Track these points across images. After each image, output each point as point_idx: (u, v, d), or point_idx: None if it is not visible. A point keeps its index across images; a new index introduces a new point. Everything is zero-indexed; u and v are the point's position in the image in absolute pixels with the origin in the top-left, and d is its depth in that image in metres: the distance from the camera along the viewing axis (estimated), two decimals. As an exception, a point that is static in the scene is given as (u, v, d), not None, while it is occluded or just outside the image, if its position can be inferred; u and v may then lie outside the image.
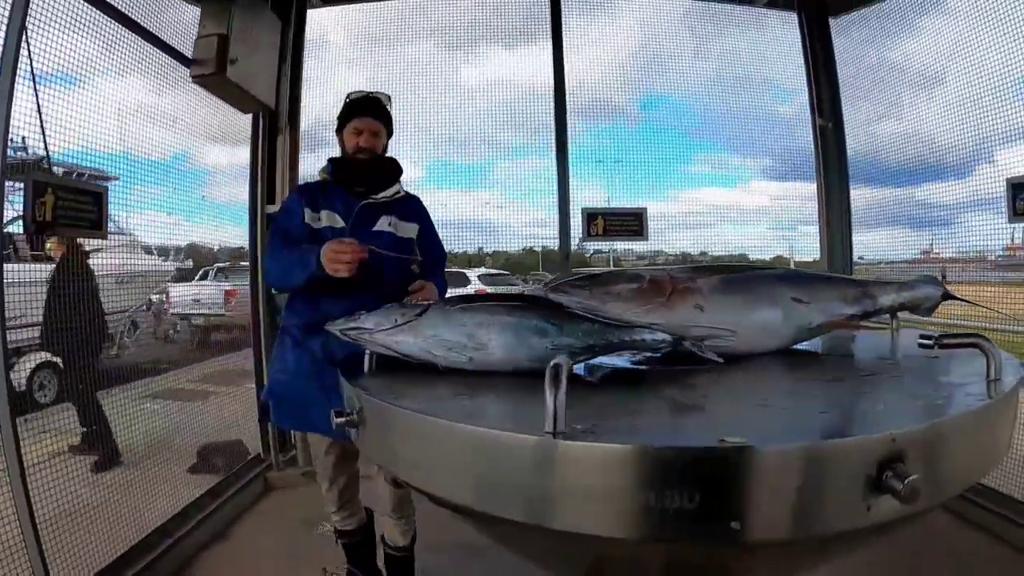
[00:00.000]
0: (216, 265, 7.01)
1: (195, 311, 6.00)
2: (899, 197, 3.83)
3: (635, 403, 1.16)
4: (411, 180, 3.64)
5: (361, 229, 2.01)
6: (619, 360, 1.46)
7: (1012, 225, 2.99)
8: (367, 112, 2.11)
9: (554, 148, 3.84)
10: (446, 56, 3.99)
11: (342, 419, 1.23)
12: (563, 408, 0.86)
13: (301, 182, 3.30)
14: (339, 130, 2.14)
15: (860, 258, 4.16)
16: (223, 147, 3.42)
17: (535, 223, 4.36)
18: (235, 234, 3.85)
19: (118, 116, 2.74)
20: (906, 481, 0.79)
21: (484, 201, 4.25)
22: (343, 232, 1.98)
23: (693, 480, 0.80)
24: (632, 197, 4.20)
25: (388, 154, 2.16)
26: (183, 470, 3.18)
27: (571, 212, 3.90)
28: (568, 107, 3.92)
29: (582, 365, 1.36)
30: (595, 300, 1.39)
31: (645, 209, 3.99)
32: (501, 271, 8.18)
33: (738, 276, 1.52)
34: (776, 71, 4.26)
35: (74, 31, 2.36)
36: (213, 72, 2.80)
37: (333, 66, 3.89)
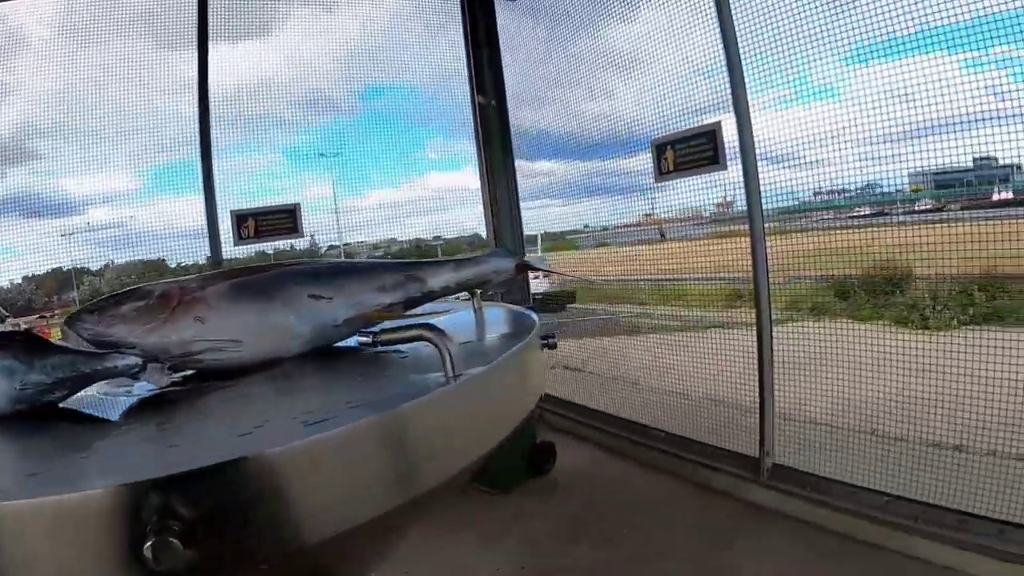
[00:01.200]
0: None
1: None
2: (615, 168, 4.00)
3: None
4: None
5: None
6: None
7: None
8: None
9: (199, 149, 3.66)
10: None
11: None
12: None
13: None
14: None
15: (585, 226, 4.56)
16: None
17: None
18: None
19: None
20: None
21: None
22: None
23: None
24: (359, 188, 4.41)
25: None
26: None
27: (219, 216, 3.77)
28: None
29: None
30: (102, 325, 1.27)
31: (298, 205, 3.95)
32: None
33: (249, 279, 1.42)
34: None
35: None
36: None
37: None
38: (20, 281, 5.48)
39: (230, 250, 3.87)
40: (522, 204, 4.43)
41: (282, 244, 4.30)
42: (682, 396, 3.44)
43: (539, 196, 4.53)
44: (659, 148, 3.25)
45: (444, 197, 4.98)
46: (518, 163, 4.41)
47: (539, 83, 4.17)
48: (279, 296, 1.41)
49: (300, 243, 5.88)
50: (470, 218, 4.89)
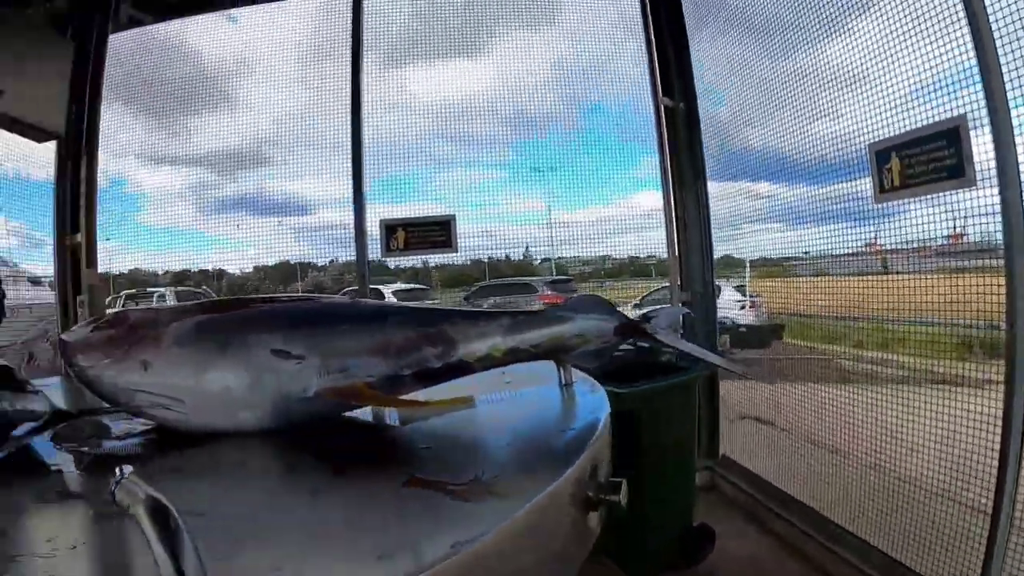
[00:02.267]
0: (124, 293, 6.99)
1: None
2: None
3: None
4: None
5: None
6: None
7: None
8: None
9: (350, 159, 3.65)
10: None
11: None
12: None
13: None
14: None
15: (806, 252, 3.88)
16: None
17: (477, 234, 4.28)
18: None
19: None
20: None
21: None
22: None
23: None
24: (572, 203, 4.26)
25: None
26: None
27: (367, 224, 3.72)
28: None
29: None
30: (70, 352, 1.11)
31: (453, 217, 3.74)
32: (418, 286, 7.98)
33: (215, 318, 1.11)
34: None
35: None
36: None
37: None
38: (250, 270, 6.41)
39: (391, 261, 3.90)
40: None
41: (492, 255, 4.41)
42: (891, 476, 2.51)
43: (746, 218, 3.79)
44: (880, 155, 2.40)
45: (653, 215, 4.58)
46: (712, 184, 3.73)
47: (741, 91, 3.47)
48: (234, 346, 1.07)
49: (514, 254, 5.96)
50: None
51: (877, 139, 2.41)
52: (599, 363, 1.27)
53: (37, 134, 3.13)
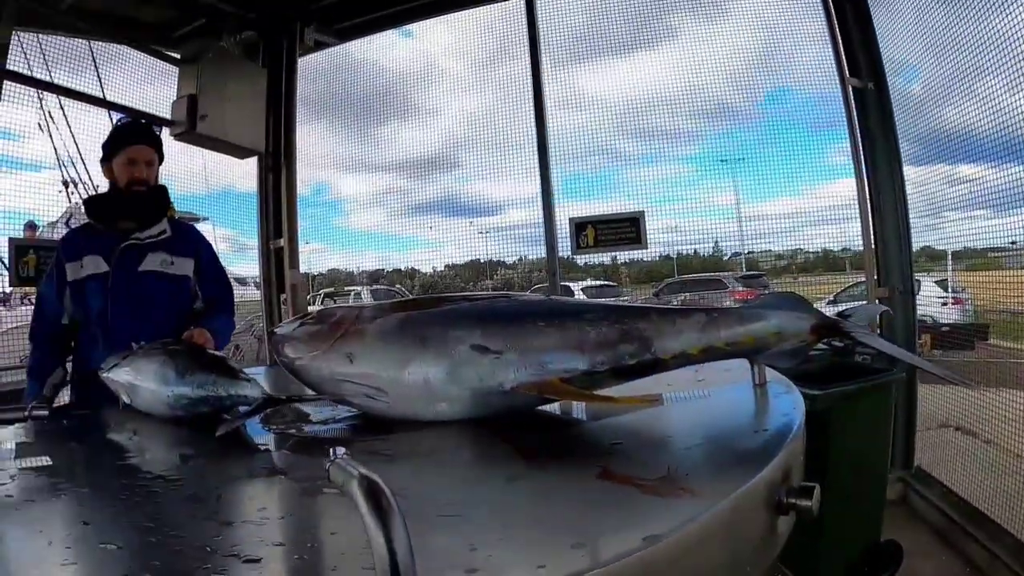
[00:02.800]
0: (323, 291, 7.62)
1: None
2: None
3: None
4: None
5: (125, 271, 1.91)
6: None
7: None
8: (141, 139, 1.99)
9: (536, 154, 3.67)
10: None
11: None
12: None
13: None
14: (106, 160, 1.99)
15: (1012, 242, 3.44)
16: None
17: (665, 229, 4.33)
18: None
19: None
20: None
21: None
22: (106, 278, 1.90)
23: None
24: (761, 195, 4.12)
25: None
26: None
27: (556, 222, 3.70)
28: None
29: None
30: (281, 345, 1.25)
31: (642, 213, 3.64)
32: (607, 283, 7.93)
33: (415, 315, 1.17)
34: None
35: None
36: (185, 130, 3.11)
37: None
38: (442, 269, 6.81)
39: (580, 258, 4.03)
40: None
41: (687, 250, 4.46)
42: None
43: (947, 205, 3.37)
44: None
45: (848, 205, 4.23)
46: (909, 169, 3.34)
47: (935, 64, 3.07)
48: (435, 341, 1.12)
49: (703, 249, 5.89)
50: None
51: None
52: (795, 363, 1.20)
53: (240, 151, 3.51)
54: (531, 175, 3.82)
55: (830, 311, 1.34)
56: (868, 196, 3.36)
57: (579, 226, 3.68)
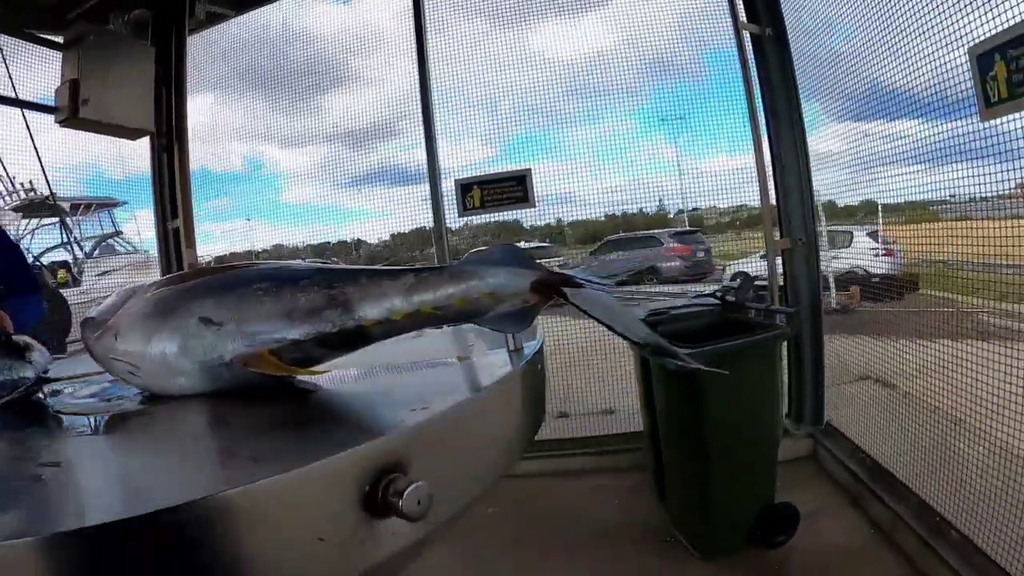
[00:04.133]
0: None
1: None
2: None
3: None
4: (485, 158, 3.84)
5: None
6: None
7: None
8: None
9: (421, 117, 3.60)
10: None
11: None
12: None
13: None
14: None
15: (952, 196, 3.35)
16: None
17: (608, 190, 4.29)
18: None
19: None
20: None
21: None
22: None
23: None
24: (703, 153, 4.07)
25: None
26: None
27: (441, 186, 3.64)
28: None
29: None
30: (83, 326, 1.19)
31: (528, 171, 3.53)
32: (541, 244, 7.89)
33: (175, 288, 1.12)
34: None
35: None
36: (68, 116, 3.05)
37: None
38: (387, 238, 6.80)
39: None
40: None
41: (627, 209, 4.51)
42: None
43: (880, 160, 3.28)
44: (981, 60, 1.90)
45: None
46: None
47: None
48: (173, 315, 1.07)
49: (648, 207, 5.87)
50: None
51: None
52: (521, 327, 1.10)
53: (129, 132, 3.43)
54: (476, 138, 3.78)
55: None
56: (768, 149, 3.28)
57: (464, 187, 3.60)
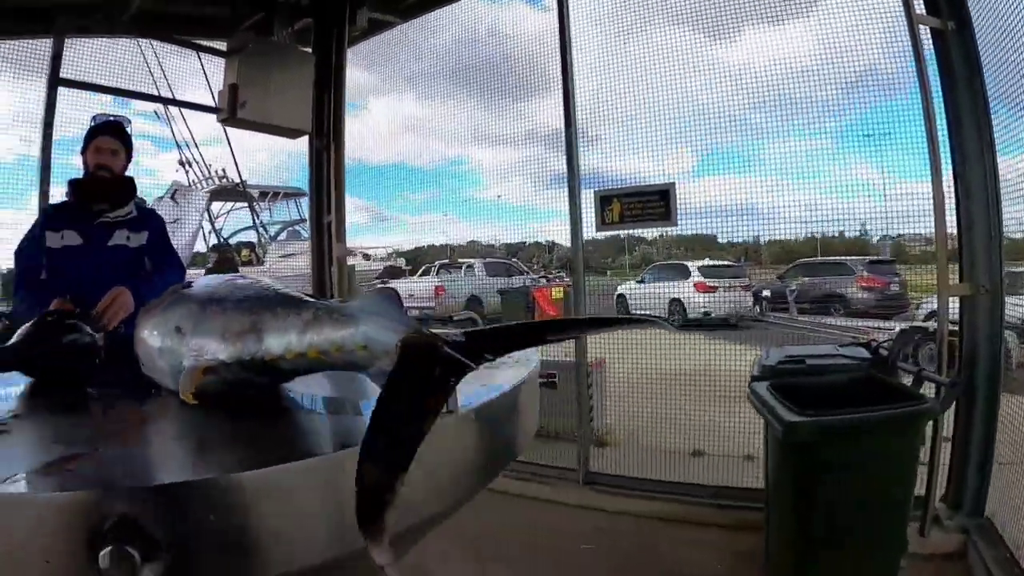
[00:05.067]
0: (438, 262, 7.94)
1: (408, 305, 6.98)
2: None
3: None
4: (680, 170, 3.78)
5: (96, 245, 2.22)
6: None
7: None
8: (106, 132, 2.31)
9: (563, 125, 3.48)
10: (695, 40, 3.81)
11: None
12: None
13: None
14: (83, 151, 2.29)
15: None
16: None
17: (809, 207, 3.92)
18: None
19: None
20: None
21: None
22: (79, 250, 2.20)
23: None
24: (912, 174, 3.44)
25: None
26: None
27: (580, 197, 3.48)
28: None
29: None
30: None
31: (672, 185, 3.28)
32: (727, 263, 7.26)
33: (182, 293, 1.23)
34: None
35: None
36: (227, 116, 3.49)
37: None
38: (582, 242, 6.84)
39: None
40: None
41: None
42: None
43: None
44: None
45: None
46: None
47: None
48: (163, 319, 1.17)
49: (850, 231, 5.45)
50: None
51: None
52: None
53: (287, 132, 3.83)
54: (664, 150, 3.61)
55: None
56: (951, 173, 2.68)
57: (604, 200, 3.43)
